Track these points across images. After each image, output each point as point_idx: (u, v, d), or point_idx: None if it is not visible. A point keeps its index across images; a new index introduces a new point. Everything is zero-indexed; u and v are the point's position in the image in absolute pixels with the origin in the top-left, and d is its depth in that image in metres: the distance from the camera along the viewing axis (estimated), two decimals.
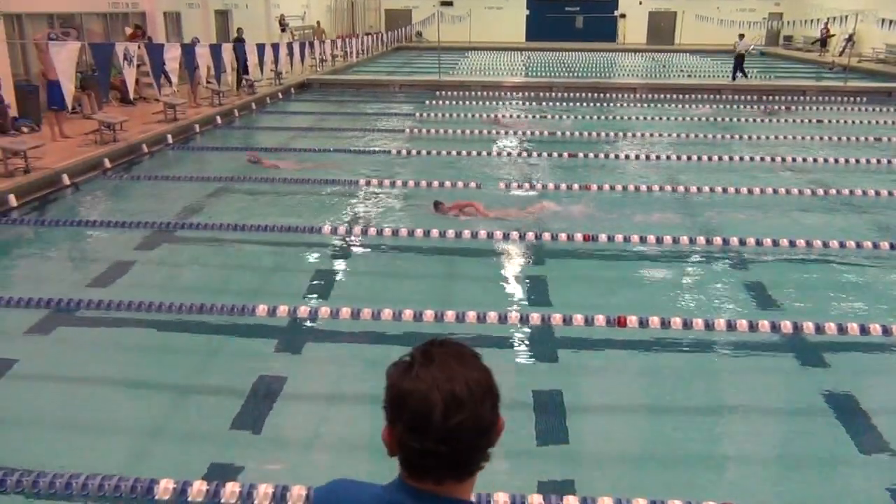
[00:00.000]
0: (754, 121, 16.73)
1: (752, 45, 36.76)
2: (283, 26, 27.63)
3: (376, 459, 4.64)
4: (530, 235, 8.24)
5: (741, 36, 23.70)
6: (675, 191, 10.38)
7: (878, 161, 12.30)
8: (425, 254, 8.06)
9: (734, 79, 22.93)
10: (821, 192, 10.34)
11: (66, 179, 10.38)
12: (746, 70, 23.39)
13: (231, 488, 3.92)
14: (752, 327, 5.93)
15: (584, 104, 19.24)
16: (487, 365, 1.35)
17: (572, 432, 4.71)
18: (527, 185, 10.70)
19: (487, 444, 1.32)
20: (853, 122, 16.60)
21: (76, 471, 4.01)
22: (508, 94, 21.06)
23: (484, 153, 12.71)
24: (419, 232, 8.22)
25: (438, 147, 13.10)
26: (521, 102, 19.78)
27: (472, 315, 6.03)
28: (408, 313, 6.02)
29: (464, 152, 12.64)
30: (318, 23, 24.19)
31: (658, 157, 12.76)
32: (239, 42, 18.12)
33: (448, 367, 1.30)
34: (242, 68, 18.51)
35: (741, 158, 12.66)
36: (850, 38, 26.72)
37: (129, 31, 17.32)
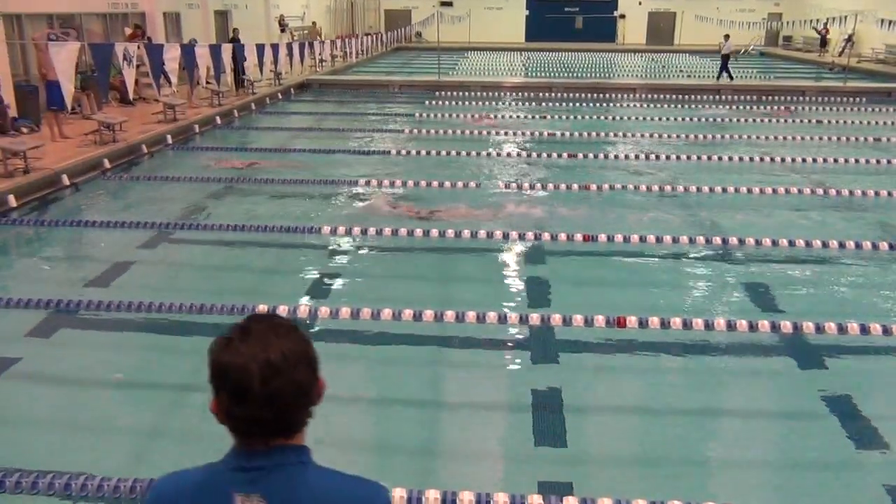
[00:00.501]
0: (761, 120, 16.73)
1: (751, 46, 36.85)
2: (283, 27, 27.64)
3: (376, 459, 4.67)
4: (530, 235, 8.24)
5: (726, 37, 23.82)
6: (675, 191, 10.38)
7: (878, 161, 12.30)
8: (425, 254, 8.06)
9: (719, 79, 23.08)
10: (820, 192, 10.35)
11: (65, 180, 10.37)
12: (732, 71, 23.53)
13: None
14: (752, 327, 5.93)
15: (584, 104, 19.25)
16: (306, 335, 1.48)
17: (572, 433, 4.71)
18: (526, 185, 10.70)
19: (308, 403, 1.45)
20: (853, 122, 16.61)
21: (76, 471, 4.01)
22: (508, 94, 21.07)
23: (483, 153, 12.71)
24: (419, 232, 8.22)
25: (438, 147, 13.10)
26: (520, 103, 19.78)
27: (471, 315, 6.03)
28: (407, 313, 6.02)
29: (463, 152, 12.64)
30: (314, 23, 24.14)
31: (658, 157, 12.77)
32: (235, 42, 18.11)
33: (263, 339, 1.42)
34: (240, 68, 18.50)
35: (741, 158, 12.66)
36: (849, 39, 26.74)
37: (128, 31, 17.31)
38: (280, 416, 1.41)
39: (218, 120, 15.62)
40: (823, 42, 32.63)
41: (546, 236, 8.20)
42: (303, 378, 1.43)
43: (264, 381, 1.38)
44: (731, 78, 23.14)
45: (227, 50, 16.17)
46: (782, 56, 35.71)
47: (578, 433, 4.73)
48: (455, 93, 20.56)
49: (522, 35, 42.48)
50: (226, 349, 1.44)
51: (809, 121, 16.64)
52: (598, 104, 19.44)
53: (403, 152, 12.84)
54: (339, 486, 1.50)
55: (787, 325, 5.95)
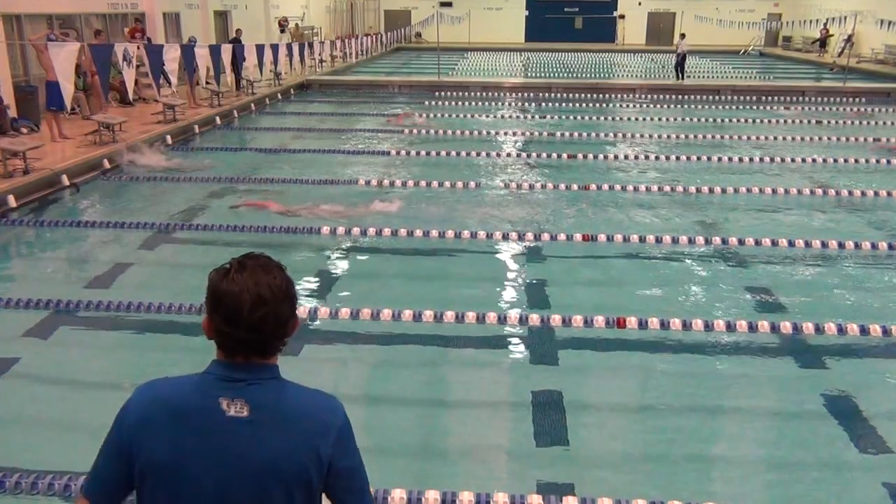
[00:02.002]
0: (761, 121, 16.73)
1: (751, 46, 36.89)
2: (283, 27, 27.64)
3: (377, 459, 4.65)
4: (530, 235, 8.24)
5: (682, 36, 24.03)
6: (675, 191, 10.38)
7: (878, 161, 12.30)
8: (424, 254, 8.06)
9: (678, 78, 23.24)
10: (820, 192, 10.35)
11: (65, 180, 10.37)
12: (685, 72, 23.79)
13: None
14: (752, 328, 5.93)
15: (584, 105, 19.26)
16: (290, 276, 1.76)
17: (571, 433, 4.71)
18: (526, 185, 10.70)
19: (284, 334, 1.73)
20: (852, 122, 16.62)
21: (76, 471, 4.00)
22: (508, 94, 21.07)
23: (483, 153, 12.71)
24: (418, 232, 8.22)
25: (438, 147, 13.10)
26: (520, 103, 19.78)
27: (471, 315, 6.02)
28: (407, 314, 6.02)
29: (463, 153, 12.64)
30: (297, 25, 23.96)
31: (657, 158, 12.78)
32: (236, 42, 18.11)
33: (256, 275, 1.68)
34: (239, 69, 18.49)
35: (741, 159, 12.66)
36: (849, 39, 26.74)
37: (127, 31, 17.32)
38: (261, 339, 1.68)
39: (218, 120, 15.62)
40: (823, 42, 32.64)
41: (546, 236, 8.20)
42: (284, 312, 1.70)
43: (253, 310, 1.64)
44: (682, 78, 23.37)
45: (226, 50, 16.17)
46: (782, 56, 35.73)
47: (578, 433, 4.73)
48: (455, 93, 20.57)
49: (522, 35, 42.50)
50: (224, 278, 1.70)
51: (809, 121, 16.65)
52: (597, 104, 19.45)
53: (403, 152, 12.84)
54: (308, 397, 1.77)
55: (786, 326, 5.95)
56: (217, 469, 1.65)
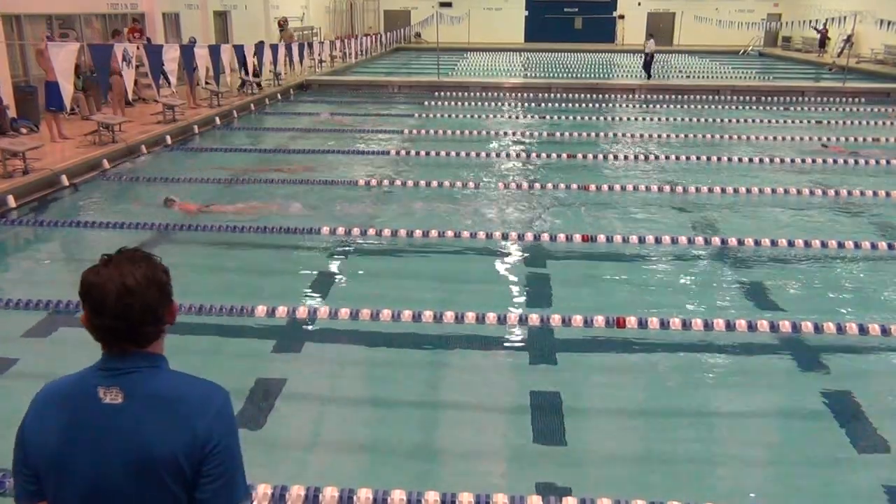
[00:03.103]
0: (760, 120, 16.74)
1: (750, 46, 36.88)
2: (283, 27, 27.61)
3: (377, 459, 4.66)
4: (529, 235, 8.25)
5: (650, 36, 24.36)
6: (675, 191, 10.38)
7: (878, 161, 12.31)
8: (424, 254, 8.05)
9: (647, 78, 23.45)
10: (820, 192, 10.35)
11: (64, 180, 10.37)
12: (652, 72, 24.04)
13: None
14: (751, 328, 5.94)
15: (583, 105, 19.26)
16: (162, 264, 1.83)
17: (571, 433, 4.71)
18: (525, 185, 10.70)
19: (156, 320, 1.76)
20: (852, 122, 16.62)
21: None
22: (507, 94, 21.07)
23: (483, 154, 12.71)
24: (418, 232, 8.22)
25: (437, 147, 13.10)
26: (520, 103, 19.78)
27: (470, 315, 6.03)
28: (407, 314, 6.03)
29: (462, 153, 12.64)
30: (281, 24, 23.99)
31: (657, 158, 12.78)
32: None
33: (121, 266, 1.73)
34: (245, 70, 18.49)
35: (740, 159, 12.66)
36: (848, 39, 26.76)
37: (126, 31, 17.31)
38: (130, 328, 1.72)
39: (217, 120, 15.62)
40: (822, 43, 32.65)
41: (545, 236, 8.20)
42: (151, 299, 1.74)
43: (118, 299, 1.69)
44: (649, 77, 23.55)
45: (226, 50, 16.16)
46: (781, 56, 35.74)
47: (577, 433, 4.73)
48: (454, 93, 20.57)
49: (522, 35, 42.50)
50: (90, 272, 1.74)
51: (809, 121, 16.65)
52: (597, 104, 19.45)
53: (403, 152, 12.84)
54: (184, 384, 1.79)
55: (786, 325, 5.95)
56: (95, 460, 1.69)
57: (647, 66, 23.74)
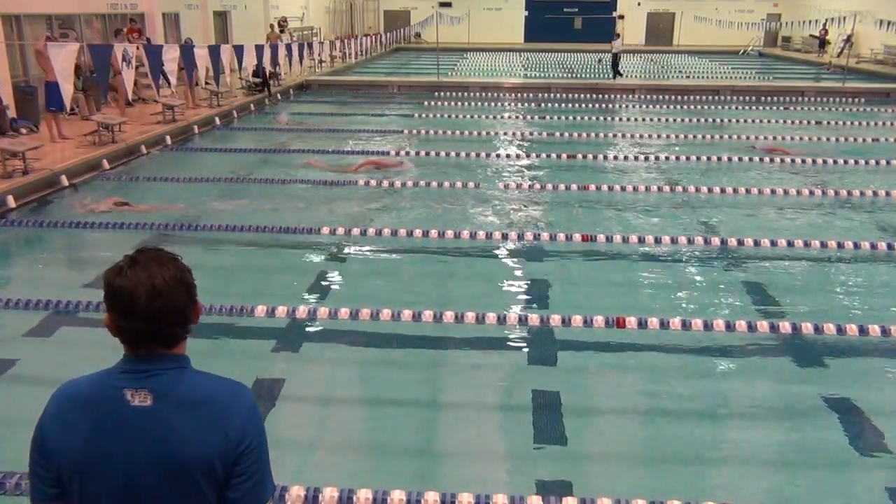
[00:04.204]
0: (760, 121, 16.74)
1: (750, 46, 36.89)
2: (282, 28, 27.62)
3: (377, 459, 4.66)
4: (529, 235, 8.25)
5: (617, 35, 24.48)
6: (675, 191, 10.38)
7: (878, 161, 12.31)
8: (424, 254, 8.05)
9: (614, 77, 23.53)
10: (819, 192, 10.36)
11: (64, 180, 10.37)
12: (621, 70, 24.19)
13: None
14: (751, 328, 5.94)
15: (583, 105, 19.26)
16: (186, 264, 1.80)
17: (571, 433, 4.71)
18: (525, 185, 10.70)
19: (184, 321, 1.76)
20: (852, 122, 16.62)
21: None
22: (507, 94, 21.07)
23: (483, 154, 12.71)
24: (418, 232, 8.22)
25: (437, 147, 13.09)
26: (519, 103, 19.78)
27: (470, 315, 6.03)
28: (406, 314, 6.03)
29: (462, 153, 12.64)
30: (272, 26, 24.10)
31: (657, 158, 12.78)
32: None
33: (149, 268, 1.69)
34: (260, 73, 18.47)
35: (740, 159, 12.66)
36: (848, 39, 26.76)
37: (125, 31, 17.31)
38: (160, 330, 1.70)
39: (217, 121, 15.62)
40: (822, 43, 32.66)
41: (545, 236, 8.20)
42: (180, 300, 1.73)
43: (150, 302, 1.66)
44: (617, 76, 23.67)
45: (226, 50, 16.15)
46: (781, 56, 35.75)
47: (577, 434, 4.73)
48: (454, 93, 20.57)
49: (521, 35, 42.50)
50: (118, 275, 1.69)
51: (809, 121, 16.66)
52: (597, 104, 19.45)
53: (403, 152, 12.84)
54: (211, 384, 1.78)
55: (785, 326, 5.95)
56: (125, 463, 1.67)
57: (615, 65, 23.79)
